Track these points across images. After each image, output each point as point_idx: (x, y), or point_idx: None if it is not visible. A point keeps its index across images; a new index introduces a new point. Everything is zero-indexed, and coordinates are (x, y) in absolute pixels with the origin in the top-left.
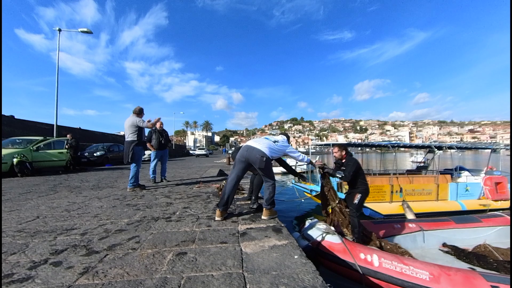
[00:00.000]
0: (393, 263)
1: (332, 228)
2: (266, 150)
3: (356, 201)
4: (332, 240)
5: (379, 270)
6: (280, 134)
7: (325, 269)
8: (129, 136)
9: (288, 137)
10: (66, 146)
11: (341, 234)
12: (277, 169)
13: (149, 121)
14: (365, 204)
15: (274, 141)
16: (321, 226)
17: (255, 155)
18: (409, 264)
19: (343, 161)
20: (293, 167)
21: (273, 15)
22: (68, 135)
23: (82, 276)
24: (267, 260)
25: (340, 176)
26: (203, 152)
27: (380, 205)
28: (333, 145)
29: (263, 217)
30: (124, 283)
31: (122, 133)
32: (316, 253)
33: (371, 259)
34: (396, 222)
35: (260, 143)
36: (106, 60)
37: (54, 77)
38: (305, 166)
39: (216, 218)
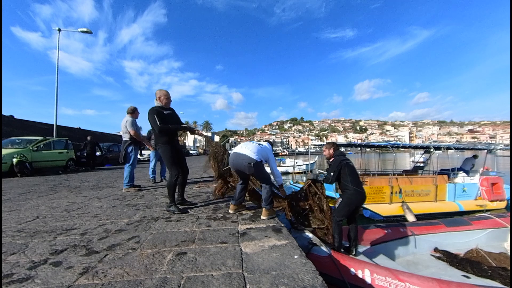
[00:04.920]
0: (387, 279)
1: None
2: (253, 155)
3: (336, 205)
4: (318, 253)
5: None
6: (265, 140)
7: None
8: (124, 136)
9: (272, 146)
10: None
11: (330, 244)
12: (278, 169)
13: (134, 131)
14: (365, 206)
15: (259, 143)
16: (305, 235)
17: (243, 163)
18: (405, 281)
19: (331, 160)
20: (293, 167)
21: (273, 12)
22: (88, 137)
23: (82, 276)
24: (267, 260)
25: (322, 179)
26: None
27: (380, 206)
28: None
29: (262, 217)
30: (124, 283)
31: (121, 133)
32: None
33: (363, 275)
34: (387, 227)
35: (246, 148)
36: (105, 59)
37: (52, 76)
38: (304, 166)
39: (230, 211)
